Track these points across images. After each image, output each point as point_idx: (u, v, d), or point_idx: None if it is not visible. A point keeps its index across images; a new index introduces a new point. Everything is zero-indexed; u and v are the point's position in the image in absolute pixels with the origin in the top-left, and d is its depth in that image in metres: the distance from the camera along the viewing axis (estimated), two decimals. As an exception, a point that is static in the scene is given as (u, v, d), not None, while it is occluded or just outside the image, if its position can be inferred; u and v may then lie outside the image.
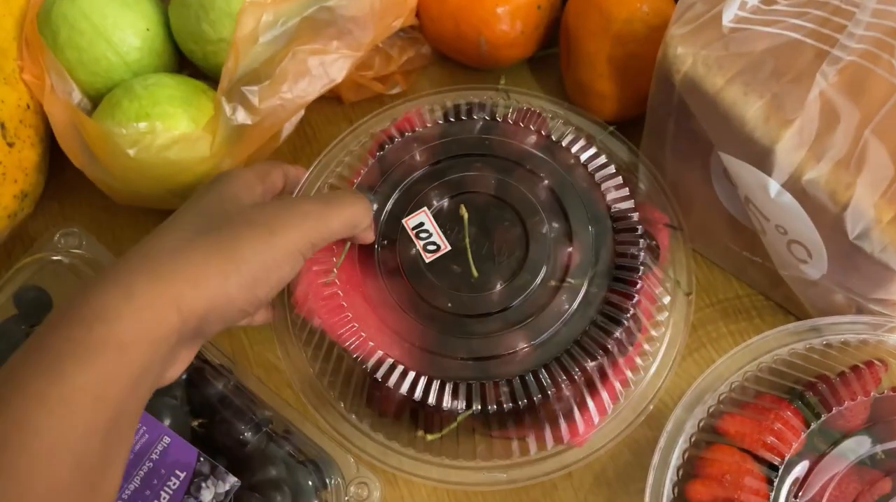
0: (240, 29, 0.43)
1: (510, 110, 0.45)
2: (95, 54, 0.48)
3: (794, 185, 0.36)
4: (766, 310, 0.47)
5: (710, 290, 0.47)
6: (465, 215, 0.41)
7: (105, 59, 0.48)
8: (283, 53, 0.44)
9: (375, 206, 0.41)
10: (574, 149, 0.43)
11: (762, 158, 0.36)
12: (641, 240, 0.40)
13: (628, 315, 0.39)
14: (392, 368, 0.39)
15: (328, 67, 0.46)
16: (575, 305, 0.39)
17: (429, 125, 0.45)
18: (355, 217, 0.37)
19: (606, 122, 0.47)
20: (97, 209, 0.52)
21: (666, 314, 0.42)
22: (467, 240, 0.41)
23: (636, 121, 0.48)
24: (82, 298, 0.29)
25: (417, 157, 0.43)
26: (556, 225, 0.41)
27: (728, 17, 0.36)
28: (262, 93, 0.44)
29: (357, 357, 0.40)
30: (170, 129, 0.45)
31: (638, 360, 0.41)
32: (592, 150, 0.43)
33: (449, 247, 0.40)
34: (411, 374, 0.39)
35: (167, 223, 0.34)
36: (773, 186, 0.36)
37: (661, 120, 0.42)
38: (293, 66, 0.45)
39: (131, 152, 0.43)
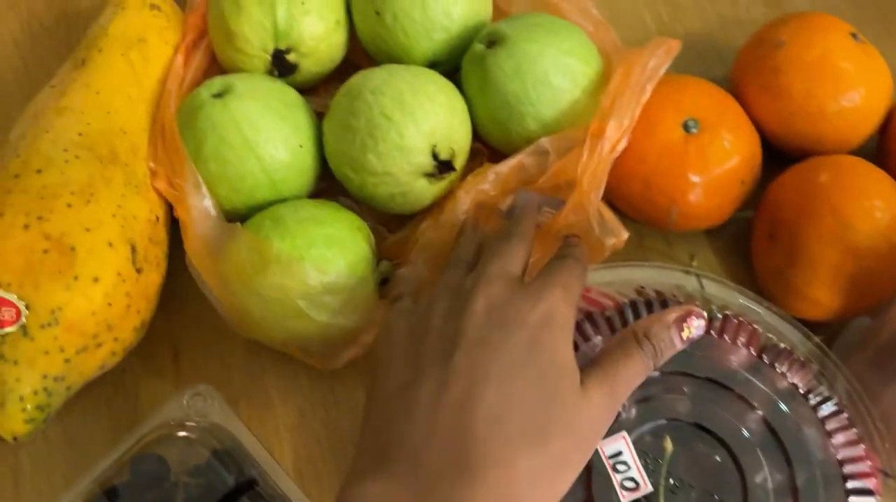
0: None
1: (714, 316, 0.39)
2: (242, 171, 0.42)
3: None
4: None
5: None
6: (669, 448, 0.35)
7: (252, 176, 0.42)
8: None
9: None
10: (794, 378, 0.37)
11: None
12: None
13: None
14: None
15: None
16: (800, 588, 0.33)
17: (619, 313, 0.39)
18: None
19: (801, 320, 0.41)
20: (206, 330, 0.46)
21: (877, 583, 0.36)
22: (664, 482, 0.35)
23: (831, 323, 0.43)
24: None
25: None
26: (777, 474, 0.35)
27: None
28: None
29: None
30: (322, 276, 0.39)
31: None
32: (820, 387, 0.37)
33: (650, 488, 0.35)
34: None
35: (502, 424, 0.30)
36: None
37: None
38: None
39: (302, 303, 0.38)
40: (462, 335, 0.31)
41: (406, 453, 0.29)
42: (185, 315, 0.47)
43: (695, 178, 0.43)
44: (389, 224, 0.47)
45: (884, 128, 0.46)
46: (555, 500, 0.30)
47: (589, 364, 0.33)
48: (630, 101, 0.42)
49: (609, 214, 0.42)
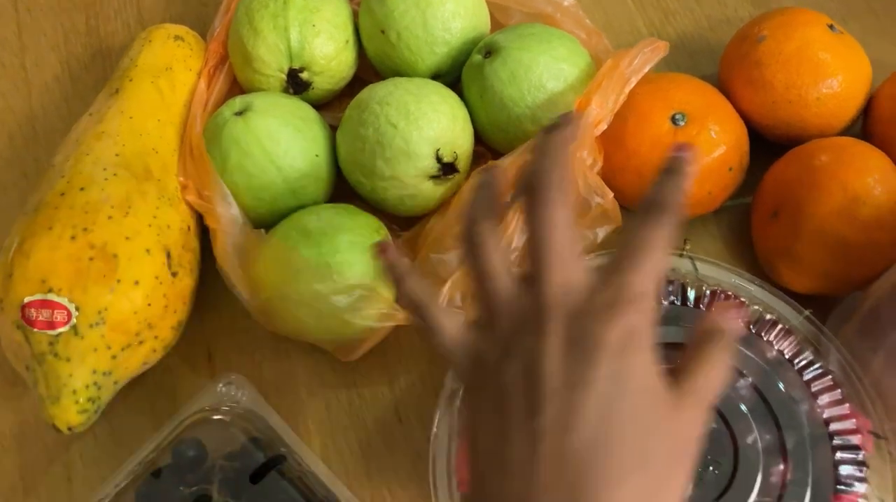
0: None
1: (703, 293, 0.42)
2: (264, 181, 0.46)
3: None
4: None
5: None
6: (665, 415, 0.38)
7: (273, 185, 0.46)
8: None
9: None
10: (781, 346, 0.40)
11: None
12: (862, 463, 0.37)
13: (848, 554, 0.35)
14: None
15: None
16: (790, 539, 0.35)
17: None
18: None
19: (796, 293, 0.44)
20: (237, 331, 0.50)
21: (872, 539, 0.38)
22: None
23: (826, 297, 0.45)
24: None
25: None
26: (767, 435, 0.37)
27: None
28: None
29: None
30: (348, 279, 0.42)
31: None
32: (805, 353, 0.39)
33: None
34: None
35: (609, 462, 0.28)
36: None
37: (887, 326, 0.39)
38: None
39: (332, 304, 0.41)
40: (542, 383, 0.29)
41: None
42: (218, 317, 0.50)
43: (704, 171, 0.46)
44: (402, 223, 0.51)
45: (866, 112, 0.48)
46: None
47: (672, 377, 0.30)
48: (615, 87, 0.45)
49: (595, 177, 0.44)
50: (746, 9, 0.58)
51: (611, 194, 0.44)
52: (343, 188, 0.50)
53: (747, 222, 0.50)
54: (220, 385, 0.40)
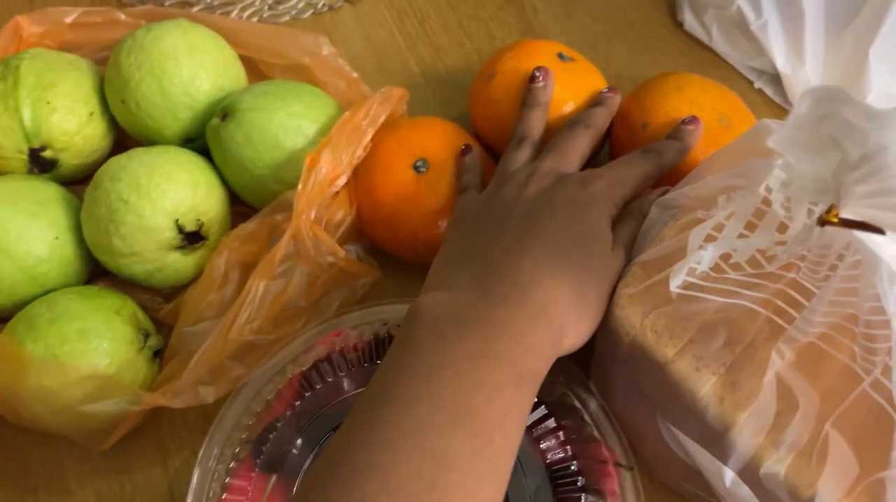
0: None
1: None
2: (-4, 273, 0.44)
3: (750, 475, 0.32)
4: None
5: (670, 521, 0.44)
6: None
7: (8, 276, 0.44)
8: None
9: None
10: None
11: (715, 440, 0.33)
12: (584, 495, 0.37)
13: None
14: None
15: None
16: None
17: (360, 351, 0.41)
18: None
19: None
20: (2, 424, 0.48)
21: (620, 575, 0.38)
22: None
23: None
24: (520, 331, 0.34)
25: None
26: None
27: (676, 284, 0.33)
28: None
29: None
30: (78, 370, 0.40)
31: None
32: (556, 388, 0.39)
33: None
34: None
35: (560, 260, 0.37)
36: (728, 475, 0.32)
37: (609, 366, 0.39)
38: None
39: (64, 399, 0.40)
40: (516, 208, 0.39)
41: (465, 278, 0.37)
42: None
43: (430, 212, 0.45)
44: (168, 295, 0.49)
45: (609, 133, 0.48)
46: (581, 324, 0.36)
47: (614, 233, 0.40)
48: (350, 141, 0.44)
49: (325, 236, 0.43)
50: (515, 39, 0.58)
51: (343, 253, 0.44)
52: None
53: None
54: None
